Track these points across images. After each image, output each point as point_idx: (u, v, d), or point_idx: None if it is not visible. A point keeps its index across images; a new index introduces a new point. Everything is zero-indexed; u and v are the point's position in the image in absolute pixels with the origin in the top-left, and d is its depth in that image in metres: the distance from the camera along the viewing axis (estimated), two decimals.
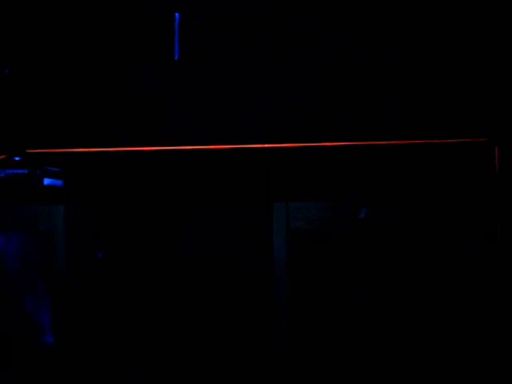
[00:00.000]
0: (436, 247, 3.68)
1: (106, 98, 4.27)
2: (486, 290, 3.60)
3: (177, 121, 4.17)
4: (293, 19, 4.11)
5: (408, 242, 3.69)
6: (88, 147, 3.92)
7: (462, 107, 4.08)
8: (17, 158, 3.67)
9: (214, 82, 4.11)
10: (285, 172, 3.90)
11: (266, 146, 3.78)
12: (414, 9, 4.15)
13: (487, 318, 3.58)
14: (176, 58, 4.21)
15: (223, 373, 3.86)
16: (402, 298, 3.69)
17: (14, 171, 3.63)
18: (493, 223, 3.51)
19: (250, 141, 3.86)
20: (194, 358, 3.96)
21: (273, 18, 4.09)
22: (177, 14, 4.20)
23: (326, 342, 3.69)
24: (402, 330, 3.67)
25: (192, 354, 3.96)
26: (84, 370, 3.68)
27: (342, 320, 3.72)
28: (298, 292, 3.72)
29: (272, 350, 3.64)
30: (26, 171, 3.62)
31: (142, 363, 3.90)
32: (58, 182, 3.75)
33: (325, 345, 3.68)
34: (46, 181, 3.65)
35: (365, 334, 3.68)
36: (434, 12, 4.15)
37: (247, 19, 4.12)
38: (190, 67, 4.22)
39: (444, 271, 3.69)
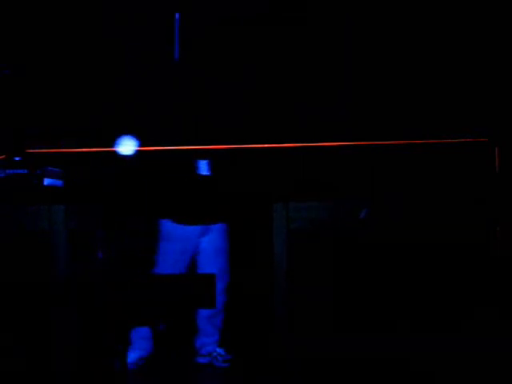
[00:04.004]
0: (436, 246, 3.68)
1: (106, 99, 4.27)
2: (486, 287, 3.60)
3: (176, 121, 4.17)
4: None
5: (408, 240, 3.68)
6: (88, 147, 3.92)
7: (463, 108, 4.08)
8: (17, 158, 3.66)
9: (211, 83, 4.11)
10: (284, 172, 3.90)
11: (266, 146, 3.78)
12: (418, 11, 4.15)
13: (486, 317, 3.58)
14: (176, 58, 4.21)
15: None
16: (398, 292, 3.69)
17: (14, 171, 3.62)
18: (493, 222, 3.51)
19: (250, 141, 3.86)
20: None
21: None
22: (177, 14, 4.20)
23: (324, 339, 3.69)
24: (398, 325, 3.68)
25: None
26: None
27: (339, 316, 3.72)
28: (297, 290, 3.72)
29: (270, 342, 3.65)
30: (25, 171, 3.62)
31: None
32: (58, 182, 3.74)
33: (322, 342, 3.68)
34: (46, 181, 3.64)
35: (362, 328, 3.68)
36: (436, 15, 4.15)
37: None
38: (190, 67, 4.22)
39: (445, 270, 3.68)
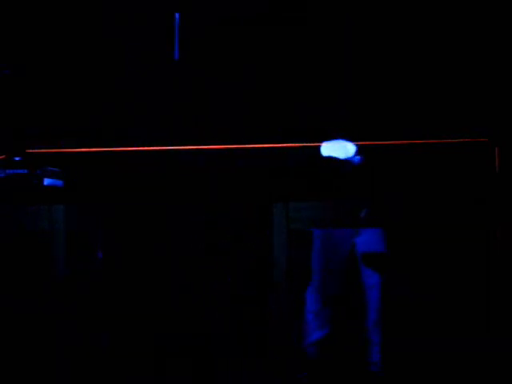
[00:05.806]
0: (436, 245, 3.68)
1: (106, 99, 4.27)
2: (487, 287, 3.60)
3: (176, 121, 4.17)
4: None
5: (409, 239, 3.68)
6: (88, 147, 3.92)
7: (463, 108, 4.08)
8: (17, 158, 3.67)
9: (212, 83, 4.11)
10: (284, 172, 3.90)
11: (266, 146, 3.78)
12: (418, 11, 4.15)
13: (486, 318, 3.58)
14: (176, 58, 4.21)
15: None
16: (395, 291, 3.69)
17: (14, 171, 3.62)
18: (493, 222, 3.51)
19: (250, 141, 3.86)
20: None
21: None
22: (177, 14, 4.20)
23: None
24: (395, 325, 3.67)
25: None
26: None
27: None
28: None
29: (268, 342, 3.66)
30: (25, 171, 3.62)
31: None
32: (58, 182, 3.75)
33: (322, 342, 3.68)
34: (46, 181, 3.64)
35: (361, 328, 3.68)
36: (436, 15, 4.16)
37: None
38: (190, 67, 4.22)
39: (446, 269, 3.68)
